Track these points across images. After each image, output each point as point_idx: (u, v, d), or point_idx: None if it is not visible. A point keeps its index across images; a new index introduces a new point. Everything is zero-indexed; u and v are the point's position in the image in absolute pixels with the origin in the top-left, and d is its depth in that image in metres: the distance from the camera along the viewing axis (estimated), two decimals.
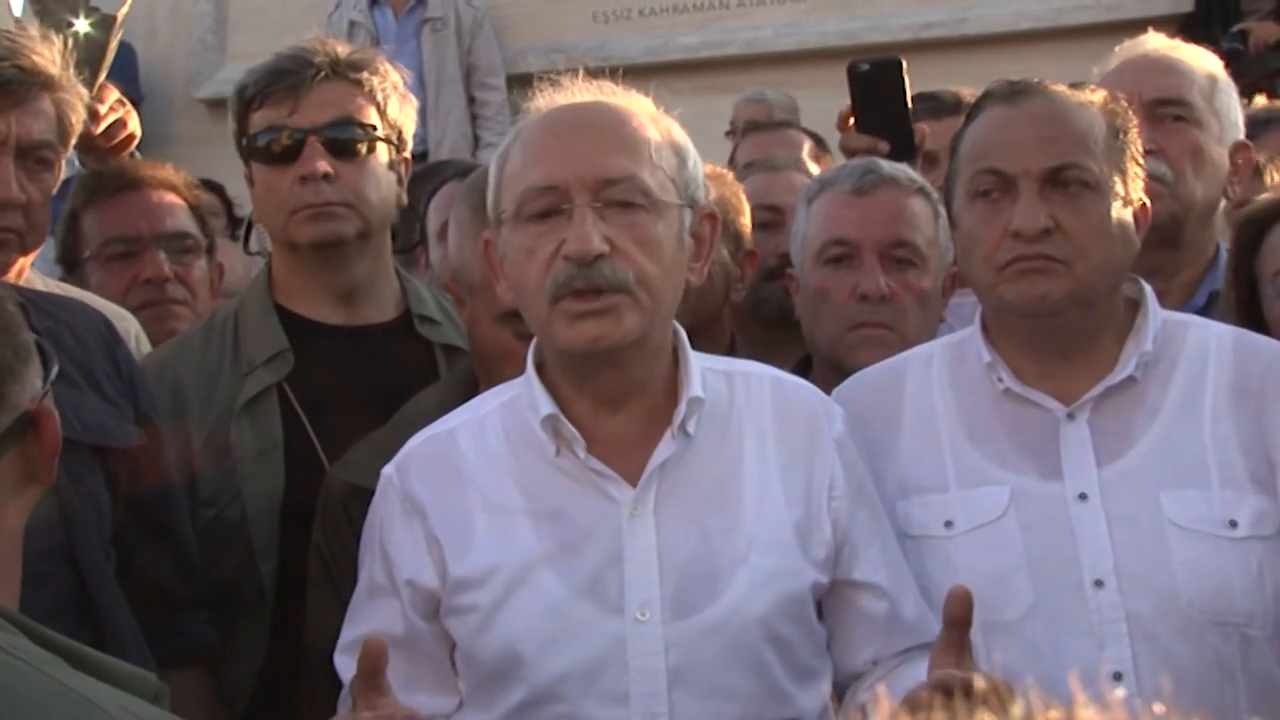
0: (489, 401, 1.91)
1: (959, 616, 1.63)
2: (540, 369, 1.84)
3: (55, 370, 1.31)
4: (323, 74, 2.33)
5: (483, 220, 2.06)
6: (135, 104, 2.89)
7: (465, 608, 1.79)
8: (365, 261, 2.42)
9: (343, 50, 2.39)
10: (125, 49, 6.63)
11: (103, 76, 2.63)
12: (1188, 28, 5.37)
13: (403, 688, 1.79)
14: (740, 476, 1.83)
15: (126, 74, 6.55)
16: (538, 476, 1.81)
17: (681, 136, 1.85)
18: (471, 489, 1.83)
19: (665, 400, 1.83)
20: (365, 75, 2.37)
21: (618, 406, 1.81)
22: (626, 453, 1.80)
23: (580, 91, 1.84)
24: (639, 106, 1.84)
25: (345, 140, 2.34)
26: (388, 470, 1.88)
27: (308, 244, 2.35)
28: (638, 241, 1.74)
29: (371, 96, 2.37)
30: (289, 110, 2.32)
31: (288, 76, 2.33)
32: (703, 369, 1.86)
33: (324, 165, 2.30)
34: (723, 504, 1.81)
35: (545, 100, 1.84)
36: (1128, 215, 1.93)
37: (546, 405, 1.79)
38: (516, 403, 1.86)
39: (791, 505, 1.83)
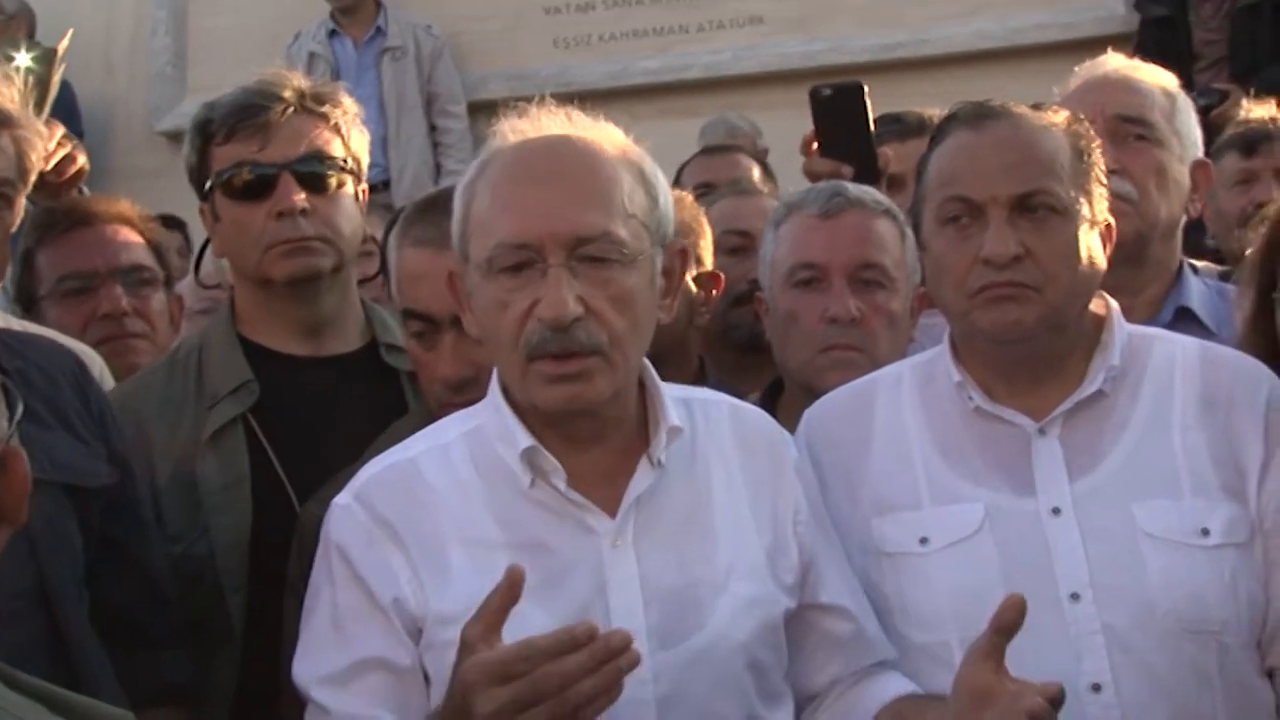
0: (449, 430, 1.87)
1: (1012, 623, 1.63)
2: (506, 392, 1.82)
3: (21, 410, 1.29)
4: (291, 108, 2.33)
5: (403, 239, 2.16)
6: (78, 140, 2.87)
7: (447, 643, 1.72)
8: (334, 294, 2.42)
9: (306, 83, 2.38)
10: (64, 85, 6.61)
11: (46, 111, 2.61)
12: (1142, 48, 5.44)
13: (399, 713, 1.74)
14: (710, 505, 1.83)
15: (66, 110, 6.52)
16: (513, 508, 1.79)
17: (653, 171, 1.82)
18: (443, 519, 1.79)
19: (635, 431, 1.83)
20: (329, 108, 2.37)
21: (591, 444, 1.80)
22: (600, 484, 1.79)
23: (547, 120, 1.80)
24: (609, 141, 1.80)
25: (317, 174, 2.34)
26: (343, 499, 1.82)
27: (284, 279, 2.34)
28: (611, 299, 1.72)
29: (336, 129, 2.38)
30: (259, 145, 2.31)
31: (256, 111, 2.31)
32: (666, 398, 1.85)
33: (301, 200, 2.30)
34: (697, 533, 1.81)
35: (510, 128, 1.80)
36: (1094, 236, 1.95)
37: (525, 438, 1.77)
38: (482, 432, 1.83)
39: (761, 532, 1.84)
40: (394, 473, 1.83)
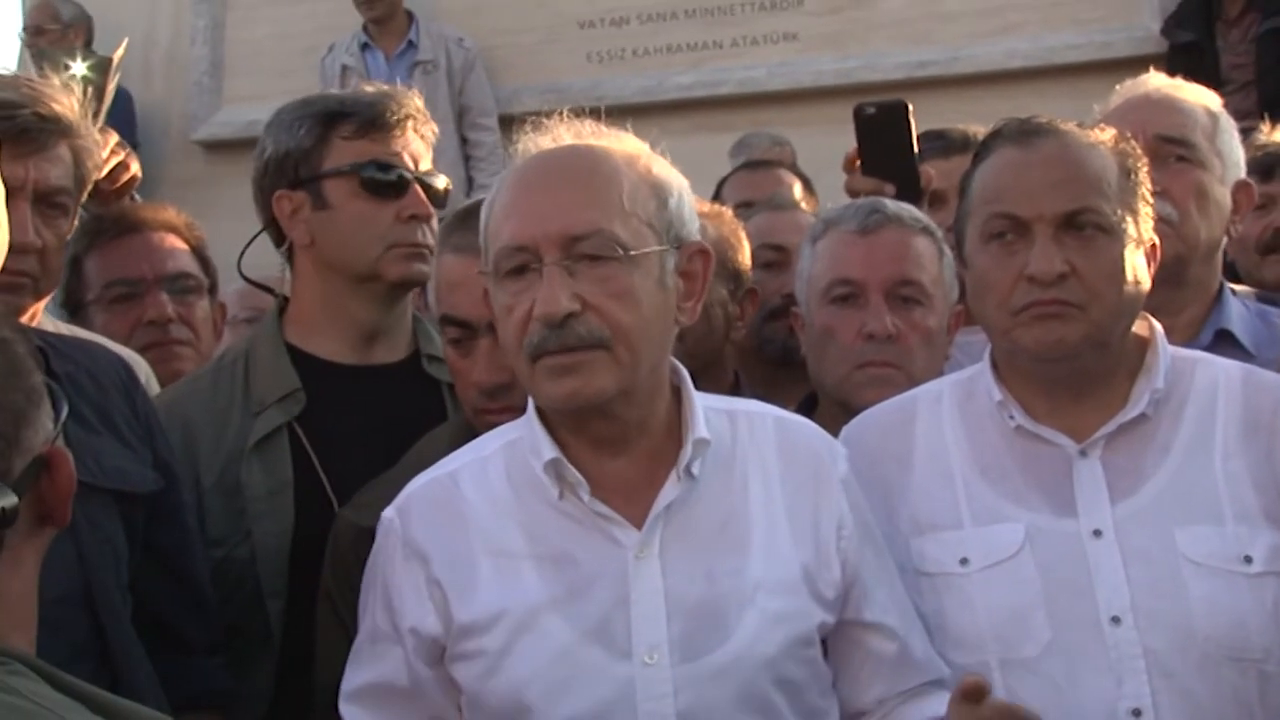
0: (491, 443, 1.90)
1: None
2: (541, 412, 1.84)
3: (65, 412, 1.30)
4: (414, 122, 2.42)
5: (443, 247, 2.20)
6: (132, 149, 2.92)
7: (471, 653, 1.78)
8: (402, 304, 2.48)
9: (419, 104, 2.46)
10: (122, 94, 6.68)
11: (101, 120, 2.64)
12: (1170, 74, 5.42)
13: None
14: (746, 517, 1.82)
15: (123, 119, 6.59)
16: (542, 520, 1.80)
17: (664, 175, 1.83)
18: (474, 532, 1.81)
19: (667, 441, 1.83)
20: (430, 128, 2.46)
21: (618, 450, 1.81)
22: (630, 495, 1.80)
23: (563, 133, 1.83)
24: (618, 147, 1.82)
25: (435, 187, 2.44)
26: (388, 513, 1.87)
27: (398, 280, 2.40)
28: (611, 295, 1.73)
29: (430, 149, 2.46)
30: (395, 149, 2.39)
31: (395, 116, 2.39)
32: (705, 408, 1.85)
33: (430, 208, 2.40)
34: (729, 545, 1.80)
35: (528, 144, 1.84)
36: (1140, 256, 1.94)
37: (549, 449, 1.79)
38: (518, 445, 1.85)
39: (799, 545, 1.83)
40: (433, 488, 1.87)
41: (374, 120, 2.38)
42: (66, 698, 1.17)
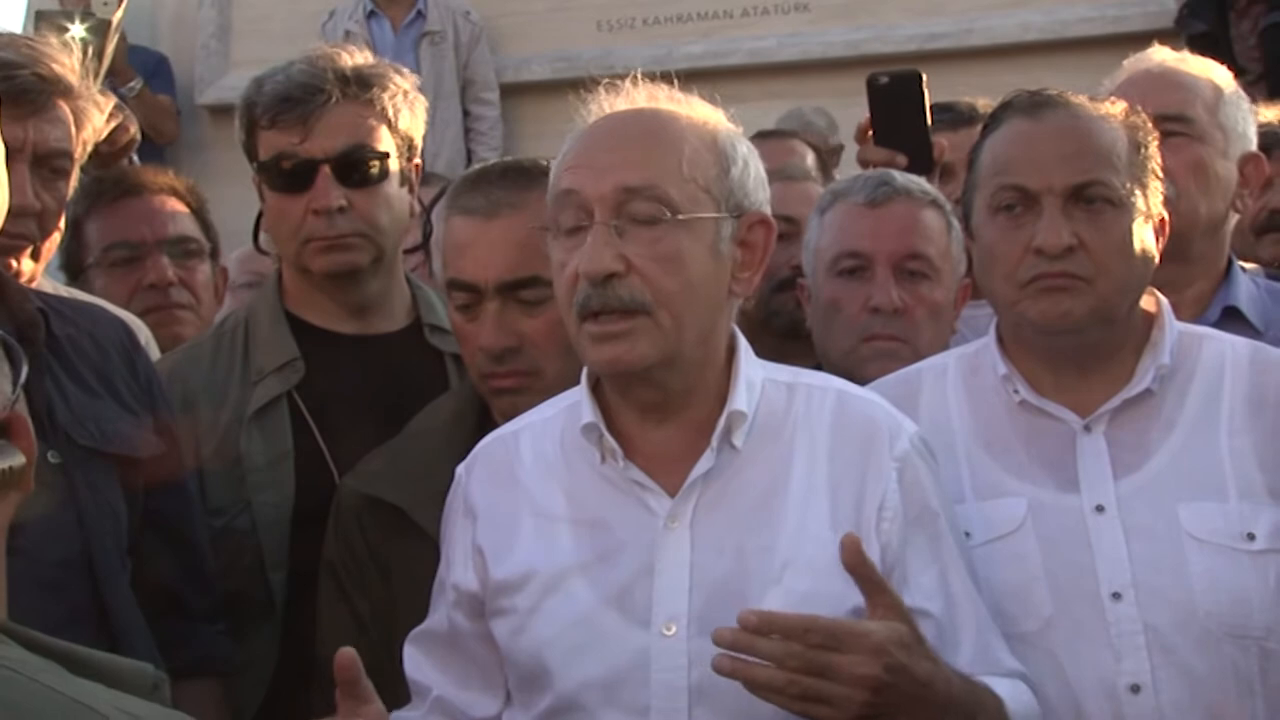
0: (556, 404, 1.90)
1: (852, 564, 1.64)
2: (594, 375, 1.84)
3: (25, 373, 1.27)
4: (333, 98, 2.29)
5: (451, 209, 2.13)
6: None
7: (505, 610, 1.80)
8: (378, 279, 2.42)
9: (352, 65, 2.33)
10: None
11: (100, 81, 2.62)
12: (1193, 42, 5.36)
13: (455, 684, 1.86)
14: (785, 493, 1.77)
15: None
16: (583, 484, 1.81)
17: (730, 142, 1.80)
18: (522, 492, 1.83)
19: (716, 412, 1.79)
20: (375, 93, 2.33)
21: (663, 418, 1.79)
22: (670, 465, 1.78)
23: (637, 95, 1.81)
24: (686, 111, 1.81)
25: (358, 168, 2.32)
26: (460, 468, 1.90)
27: (321, 273, 2.35)
28: (657, 258, 1.71)
29: (383, 115, 2.34)
30: (300, 137, 2.29)
31: (297, 105, 2.29)
32: (765, 380, 1.83)
33: (338, 199, 2.29)
34: (764, 521, 1.76)
35: (601, 104, 1.82)
36: (1148, 230, 1.93)
37: (588, 414, 1.79)
38: (575, 409, 1.85)
39: (837, 525, 1.74)
40: (496, 445, 1.90)
41: (278, 108, 2.29)
42: (41, 659, 1.15)
